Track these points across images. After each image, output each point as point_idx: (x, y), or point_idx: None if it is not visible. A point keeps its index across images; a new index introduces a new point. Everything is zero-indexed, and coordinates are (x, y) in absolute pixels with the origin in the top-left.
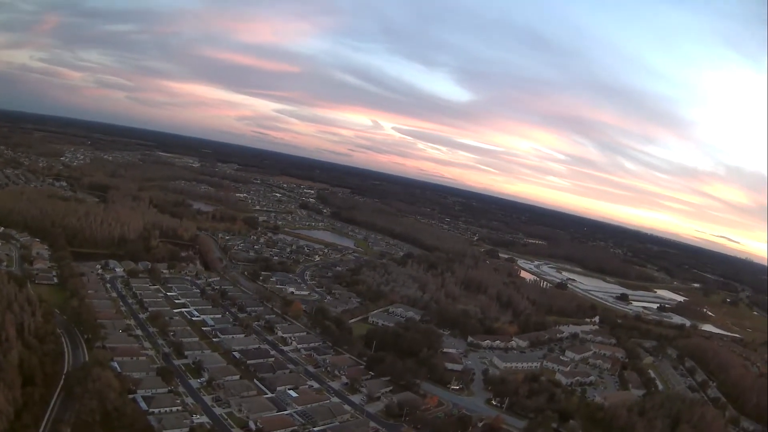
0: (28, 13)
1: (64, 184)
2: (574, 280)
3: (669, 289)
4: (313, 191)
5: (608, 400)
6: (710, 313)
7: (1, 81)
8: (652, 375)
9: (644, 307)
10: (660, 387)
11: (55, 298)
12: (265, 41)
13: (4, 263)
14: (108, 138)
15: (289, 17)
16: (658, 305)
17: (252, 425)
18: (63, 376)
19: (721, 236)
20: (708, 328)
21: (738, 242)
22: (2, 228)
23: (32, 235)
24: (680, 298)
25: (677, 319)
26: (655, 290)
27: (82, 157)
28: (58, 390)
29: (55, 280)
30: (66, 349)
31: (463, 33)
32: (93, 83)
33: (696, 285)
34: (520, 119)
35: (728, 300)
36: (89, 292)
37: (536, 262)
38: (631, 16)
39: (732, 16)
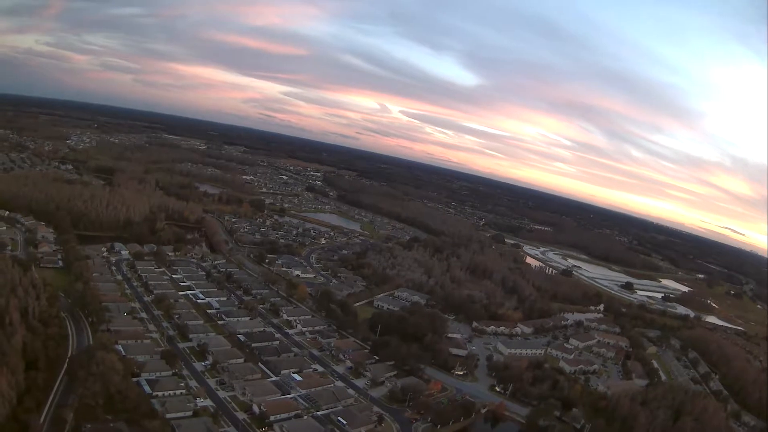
0: None
1: (70, 167)
2: (579, 267)
3: (673, 279)
4: (319, 174)
5: (611, 389)
6: (714, 305)
7: (7, 65)
8: (656, 365)
9: (649, 297)
10: (663, 377)
11: (60, 281)
12: (271, 24)
13: (9, 247)
14: (114, 121)
15: (296, 1)
16: (663, 295)
17: (255, 408)
18: (67, 360)
19: (726, 227)
20: (711, 319)
21: (742, 234)
22: (7, 212)
23: (37, 219)
24: (684, 289)
25: (681, 310)
26: (660, 280)
27: (87, 140)
28: (62, 374)
29: (60, 263)
30: (70, 333)
31: (471, 18)
32: (99, 66)
33: (700, 276)
34: (527, 105)
35: (732, 292)
36: (94, 275)
37: (542, 249)
38: (640, 7)
39: (738, 11)
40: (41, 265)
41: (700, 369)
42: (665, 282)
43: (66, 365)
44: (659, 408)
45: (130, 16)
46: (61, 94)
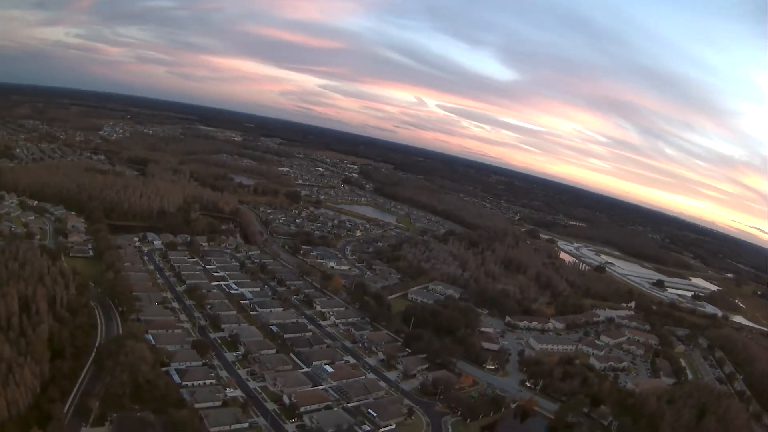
0: None
1: (103, 157)
2: (612, 263)
3: (703, 278)
4: (356, 166)
5: (639, 387)
6: (741, 305)
7: (36, 57)
8: (683, 364)
9: (679, 295)
10: (690, 376)
11: (90, 270)
12: (308, 17)
13: (38, 237)
14: (148, 112)
15: None
16: (693, 293)
17: (286, 399)
18: (95, 349)
19: (756, 227)
20: (738, 319)
21: None
22: (36, 202)
23: (68, 209)
24: (714, 288)
25: (710, 309)
26: (690, 278)
27: (121, 131)
28: (89, 363)
29: (91, 253)
30: (99, 322)
31: (507, 13)
32: (133, 58)
33: (729, 275)
34: (563, 100)
35: (759, 292)
36: (126, 264)
37: (576, 244)
38: (676, 5)
39: None
40: (71, 254)
41: (725, 369)
42: (695, 280)
43: (93, 354)
44: (684, 407)
45: (165, 8)
46: (94, 86)
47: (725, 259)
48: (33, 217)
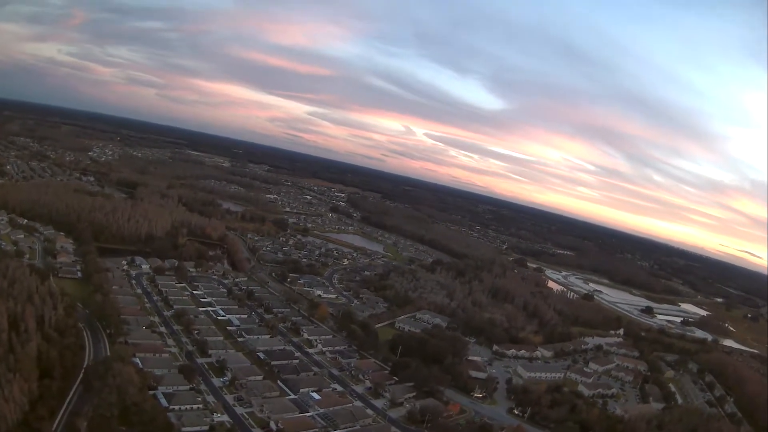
0: (57, 6)
1: (92, 179)
2: (600, 291)
3: (693, 303)
4: (343, 195)
5: (628, 413)
6: (731, 328)
7: (28, 73)
8: (673, 389)
9: (668, 321)
10: (679, 401)
11: (78, 292)
12: (297, 43)
13: (27, 256)
14: (137, 135)
15: (321, 20)
16: (682, 319)
17: (273, 425)
18: (82, 370)
19: (745, 251)
20: (729, 343)
21: (761, 257)
22: (26, 220)
23: (57, 229)
24: (703, 313)
25: (700, 334)
26: (680, 304)
27: (110, 152)
28: (77, 383)
29: (79, 274)
30: (87, 344)
31: (495, 41)
32: (123, 79)
33: (719, 299)
34: (551, 129)
35: (749, 315)
36: (114, 287)
37: (564, 273)
38: (665, 31)
39: (759, 31)
40: (59, 275)
41: (716, 392)
42: (685, 306)
43: (81, 375)
44: (674, 431)
45: (154, 30)
46: (84, 105)
47: (714, 284)
48: (23, 236)
